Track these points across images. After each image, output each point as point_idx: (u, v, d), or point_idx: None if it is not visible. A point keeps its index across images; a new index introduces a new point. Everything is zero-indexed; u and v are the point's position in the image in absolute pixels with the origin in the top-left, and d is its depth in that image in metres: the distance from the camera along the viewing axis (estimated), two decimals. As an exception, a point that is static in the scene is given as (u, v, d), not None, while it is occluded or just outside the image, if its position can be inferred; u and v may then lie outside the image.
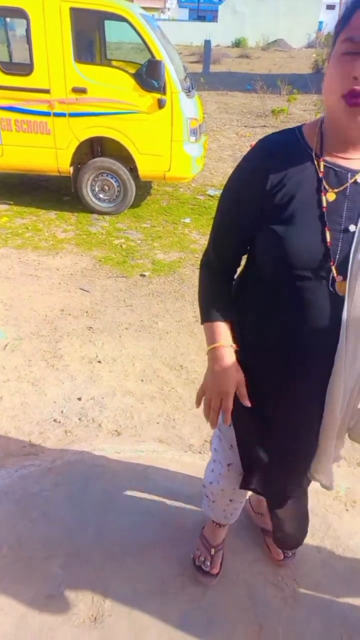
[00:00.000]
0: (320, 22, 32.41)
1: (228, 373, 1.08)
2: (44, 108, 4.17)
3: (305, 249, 0.94)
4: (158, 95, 4.06)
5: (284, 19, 30.77)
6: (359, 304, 0.96)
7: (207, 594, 1.52)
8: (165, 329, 2.96)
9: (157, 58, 3.97)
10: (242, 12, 31.53)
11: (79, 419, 2.21)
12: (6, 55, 5.27)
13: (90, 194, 4.59)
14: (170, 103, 4.09)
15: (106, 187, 4.58)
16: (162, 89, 4.03)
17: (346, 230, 0.94)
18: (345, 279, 0.95)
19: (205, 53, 17.57)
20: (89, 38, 5.04)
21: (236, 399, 1.12)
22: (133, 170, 4.45)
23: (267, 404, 1.14)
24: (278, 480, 1.29)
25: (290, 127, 1.03)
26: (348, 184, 0.94)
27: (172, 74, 4.07)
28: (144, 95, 4.09)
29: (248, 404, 1.10)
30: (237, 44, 29.00)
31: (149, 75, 3.99)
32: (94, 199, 4.62)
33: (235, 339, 1.11)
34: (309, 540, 1.69)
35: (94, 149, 4.57)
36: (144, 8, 4.90)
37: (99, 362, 2.61)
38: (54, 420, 2.18)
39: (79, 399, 2.33)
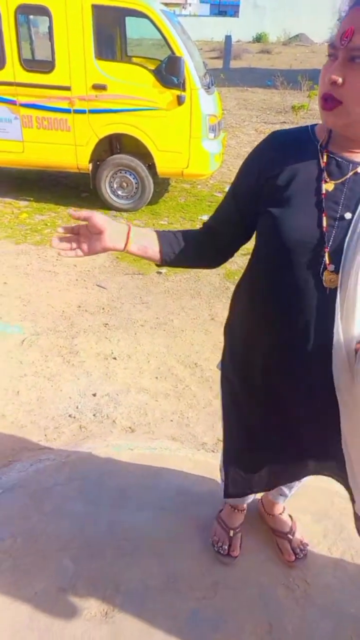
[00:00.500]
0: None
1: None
2: (64, 105, 4.20)
3: (299, 230, 0.96)
4: (177, 92, 4.06)
5: (306, 14, 30.32)
6: (351, 293, 0.95)
7: (218, 592, 1.53)
8: (181, 326, 2.97)
9: (177, 54, 3.97)
10: (263, 6, 31.18)
11: (94, 415, 2.23)
12: (29, 52, 5.32)
13: (108, 190, 4.61)
14: (190, 99, 4.08)
15: (124, 184, 4.59)
16: (181, 86, 4.03)
17: (342, 217, 0.95)
18: (336, 268, 0.95)
19: (226, 49, 17.46)
20: (110, 34, 5.06)
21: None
22: (151, 167, 4.45)
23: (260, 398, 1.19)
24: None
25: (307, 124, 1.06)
26: (349, 174, 0.95)
27: (192, 70, 4.06)
28: (164, 91, 4.08)
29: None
30: (258, 39, 28.71)
31: (168, 72, 3.98)
32: (112, 196, 4.64)
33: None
34: (321, 541, 1.69)
35: (112, 145, 4.58)
36: (165, 4, 4.90)
37: (114, 358, 2.63)
38: (69, 416, 2.21)
39: (94, 394, 2.35)
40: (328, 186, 0.96)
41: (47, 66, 4.20)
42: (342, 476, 1.18)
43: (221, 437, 1.92)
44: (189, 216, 4.73)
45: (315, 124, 1.04)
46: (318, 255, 0.96)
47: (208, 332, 2.90)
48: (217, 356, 1.37)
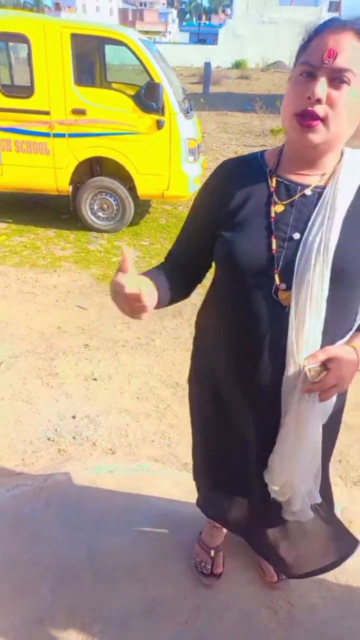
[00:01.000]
0: (319, 45, 33.06)
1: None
2: (43, 129, 4.25)
3: (249, 253, 0.98)
4: (157, 117, 4.14)
5: (284, 42, 31.40)
6: (302, 310, 0.97)
7: (200, 616, 1.49)
8: (162, 346, 2.97)
9: (156, 80, 4.06)
10: (242, 35, 32.24)
11: (73, 438, 2.20)
12: (8, 78, 5.39)
13: (89, 212, 4.64)
14: (169, 124, 4.16)
15: (105, 206, 4.63)
16: (160, 110, 4.11)
17: (291, 238, 0.97)
18: (288, 287, 0.97)
19: (205, 74, 17.92)
20: (90, 61, 5.16)
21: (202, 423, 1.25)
22: (132, 189, 4.50)
23: (228, 413, 1.19)
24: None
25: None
26: (296, 196, 0.98)
27: (170, 95, 4.15)
28: (143, 116, 4.16)
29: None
30: (237, 65, 29.57)
31: (147, 97, 4.07)
32: (92, 217, 4.67)
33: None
34: (304, 561, 1.67)
35: (93, 168, 4.63)
36: (147, 32, 5.05)
37: (95, 379, 2.61)
38: (48, 439, 2.17)
39: (74, 417, 2.32)
40: (278, 208, 0.98)
41: (26, 91, 4.26)
42: None
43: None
44: (169, 237, 4.78)
45: (265, 150, 1.08)
46: (269, 275, 0.98)
47: (190, 351, 2.90)
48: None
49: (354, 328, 1.07)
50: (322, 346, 1.00)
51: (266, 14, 32.19)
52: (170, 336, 3.09)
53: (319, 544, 1.38)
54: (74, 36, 4.06)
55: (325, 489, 1.32)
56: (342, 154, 1.00)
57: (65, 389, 2.53)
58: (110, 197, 4.56)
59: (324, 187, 0.98)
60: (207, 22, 61.52)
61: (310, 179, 0.99)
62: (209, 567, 1.59)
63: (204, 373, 1.24)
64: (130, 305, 0.90)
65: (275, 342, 1.02)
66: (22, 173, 4.44)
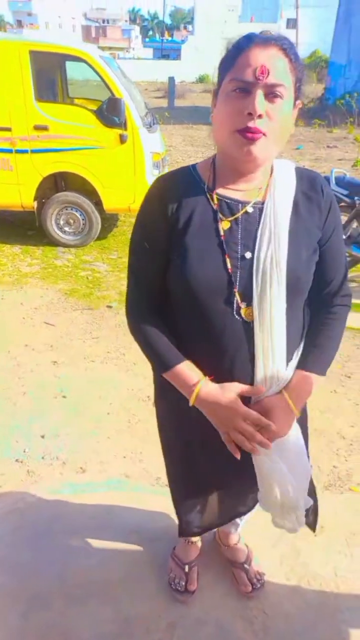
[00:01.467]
0: (279, 59, 34.04)
1: (224, 406, 1.02)
2: (5, 145, 4.21)
3: (207, 276, 0.98)
4: (119, 131, 4.16)
5: (244, 56, 32.15)
6: (267, 327, 1.00)
7: (175, 633, 1.48)
8: (132, 360, 2.95)
9: (117, 96, 4.09)
10: (204, 50, 32.88)
11: (42, 458, 2.15)
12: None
13: (55, 227, 4.61)
14: (132, 138, 4.19)
15: (71, 221, 4.61)
16: (123, 125, 4.14)
17: (243, 257, 0.99)
18: (248, 304, 0.99)
19: (170, 89, 18.18)
20: (51, 78, 5.16)
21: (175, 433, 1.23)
22: (98, 203, 4.50)
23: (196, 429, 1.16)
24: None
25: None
26: (239, 214, 0.99)
27: (132, 110, 4.19)
28: (106, 131, 4.18)
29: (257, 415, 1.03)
30: (201, 79, 30.14)
31: (109, 112, 4.09)
32: (59, 233, 4.64)
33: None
34: (278, 568, 1.68)
35: (57, 183, 4.61)
36: (110, 48, 5.09)
37: (64, 397, 2.57)
38: (16, 461, 2.12)
39: (43, 436, 2.27)
40: (224, 225, 0.99)
41: (-15, 109, 4.22)
42: None
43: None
44: (137, 250, 4.78)
45: (196, 164, 1.06)
46: (229, 295, 0.99)
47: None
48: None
49: (303, 336, 1.11)
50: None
51: (226, 31, 32.94)
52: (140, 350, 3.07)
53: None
54: (33, 53, 4.06)
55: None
56: (272, 166, 1.03)
57: (33, 408, 2.48)
58: (76, 211, 4.55)
59: (262, 202, 1.01)
60: (170, 39, 62.58)
61: (249, 194, 1.01)
62: (183, 583, 1.57)
63: (168, 387, 1.22)
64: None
65: (241, 357, 1.03)
66: (-16, 190, 4.39)
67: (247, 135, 0.90)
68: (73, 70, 5.60)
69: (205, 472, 1.26)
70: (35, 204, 4.48)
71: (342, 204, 4.00)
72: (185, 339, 1.08)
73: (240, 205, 1.00)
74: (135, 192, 4.36)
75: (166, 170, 4.94)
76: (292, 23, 29.18)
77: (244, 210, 1.00)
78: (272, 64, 0.87)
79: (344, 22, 16.19)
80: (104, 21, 72.33)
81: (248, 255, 0.99)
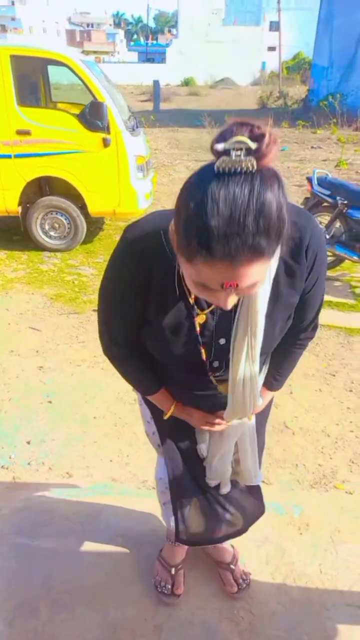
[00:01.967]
0: (264, 63, 34.35)
1: (194, 412, 1.20)
2: (-12, 151, 4.20)
3: (181, 357, 1.02)
4: (103, 135, 4.17)
5: (230, 60, 32.42)
6: (240, 400, 1.07)
7: (162, 636, 1.48)
8: (118, 363, 2.95)
9: (99, 99, 4.10)
10: (188, 53, 33.06)
11: (29, 464, 2.14)
12: None
13: (40, 232, 4.60)
14: (115, 142, 4.20)
15: (56, 225, 4.60)
16: (106, 129, 4.14)
17: (217, 343, 1.01)
18: (224, 381, 1.06)
19: (155, 92, 18.22)
20: (33, 82, 5.15)
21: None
22: (83, 207, 4.50)
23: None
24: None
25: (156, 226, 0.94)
26: (214, 306, 0.97)
27: (115, 114, 4.19)
28: (89, 135, 4.18)
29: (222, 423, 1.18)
30: (186, 83, 30.26)
31: (92, 116, 4.10)
32: (44, 237, 4.63)
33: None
34: (263, 568, 1.69)
35: (42, 188, 4.60)
36: (95, 52, 5.09)
37: (50, 402, 2.57)
38: (2, 467, 2.11)
39: (29, 442, 2.26)
40: (200, 319, 0.98)
41: (-33, 114, 4.20)
42: None
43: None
44: (123, 253, 4.77)
45: (168, 227, 0.88)
46: (203, 373, 1.06)
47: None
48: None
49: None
50: None
51: (210, 34, 33.18)
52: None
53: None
54: (14, 57, 4.05)
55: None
56: None
57: (19, 414, 2.47)
58: (61, 216, 4.54)
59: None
60: (154, 42, 62.68)
61: None
62: (170, 587, 1.57)
63: None
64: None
65: (214, 406, 1.15)
66: (-32, 195, 4.36)
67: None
68: (59, 75, 5.59)
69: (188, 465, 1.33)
70: (19, 209, 4.47)
71: (325, 204, 4.05)
72: (161, 373, 1.17)
73: None
74: (120, 195, 4.37)
75: (151, 173, 4.95)
76: (275, 26, 29.47)
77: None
78: (242, 277, 0.72)
79: (325, 25, 16.39)
80: (88, 25, 72.20)
81: (222, 341, 1.01)
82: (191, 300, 0.96)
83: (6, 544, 1.73)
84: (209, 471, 1.29)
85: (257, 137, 0.67)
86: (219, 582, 1.63)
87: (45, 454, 2.20)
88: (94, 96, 4.12)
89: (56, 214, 4.53)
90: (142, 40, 68.37)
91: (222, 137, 0.69)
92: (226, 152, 0.67)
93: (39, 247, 4.67)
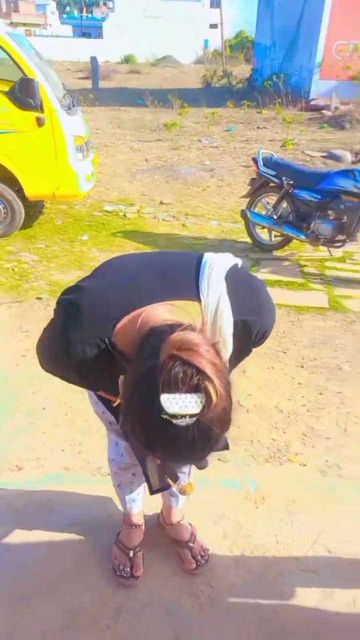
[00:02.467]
0: (206, 40, 33.95)
1: None
2: None
3: None
4: (36, 114, 3.95)
5: (171, 37, 31.81)
6: None
7: (121, 617, 1.47)
8: (67, 350, 2.87)
9: (29, 76, 3.88)
10: (127, 29, 32.09)
11: (-25, 459, 2.05)
12: None
13: (-26, 218, 4.35)
14: (50, 121, 4.00)
15: (-9, 210, 4.36)
16: (39, 107, 3.94)
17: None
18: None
19: (93, 69, 17.61)
20: None
21: None
22: (19, 190, 4.28)
23: None
24: None
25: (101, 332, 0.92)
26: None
27: (48, 91, 3.99)
28: (21, 114, 3.96)
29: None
30: (127, 60, 29.46)
31: (22, 94, 3.88)
32: (-21, 224, 4.38)
33: None
34: (221, 542, 1.72)
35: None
36: (24, 24, 4.80)
37: (-5, 394, 2.46)
38: None
39: (-25, 437, 2.17)
40: None
41: None
42: None
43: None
44: (67, 237, 4.63)
45: (112, 336, 0.90)
46: None
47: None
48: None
49: None
50: None
51: (149, 8, 32.31)
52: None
53: None
54: None
55: None
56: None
57: None
58: (-3, 200, 4.31)
59: None
60: (89, 15, 60.13)
61: None
62: (128, 569, 1.57)
63: None
64: None
65: None
66: None
67: None
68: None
69: None
70: None
71: (272, 184, 4.08)
72: None
73: None
74: (59, 177, 4.19)
75: (91, 154, 4.79)
76: (216, 2, 29.07)
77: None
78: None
79: (265, 4, 16.34)
80: (16, -5, 68.14)
81: None
82: None
83: None
84: None
85: (204, 389, 0.72)
86: (178, 560, 1.64)
87: (-7, 448, 2.12)
88: (23, 72, 3.90)
89: (-10, 198, 4.29)
90: (75, 12, 65.51)
91: (167, 386, 0.72)
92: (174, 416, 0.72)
93: (-25, 235, 4.43)
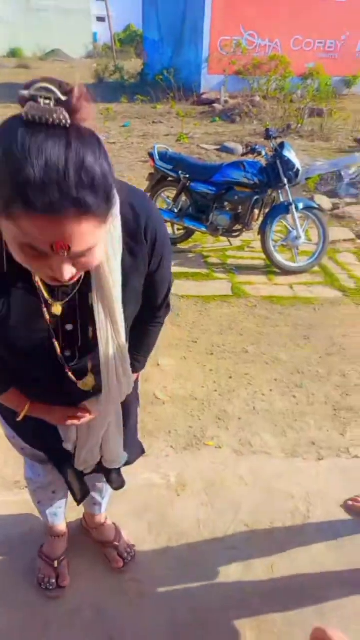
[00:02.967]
0: (95, 33, 33.36)
1: (55, 408, 1.12)
2: None
3: (34, 355, 0.95)
4: None
5: (57, 30, 30.81)
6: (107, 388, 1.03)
7: (51, 630, 1.45)
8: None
9: None
10: (11, 22, 30.55)
11: None
12: None
13: None
14: None
15: None
16: None
17: (64, 330, 0.94)
18: (83, 377, 1.01)
19: (-23, 64, 16.55)
20: None
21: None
22: None
23: None
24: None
25: None
26: (69, 297, 0.90)
27: None
28: None
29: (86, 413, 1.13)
30: (14, 54, 28.09)
31: None
32: None
33: None
34: (146, 536, 1.75)
35: None
36: None
37: None
38: None
39: None
40: (56, 310, 0.90)
41: None
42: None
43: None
44: None
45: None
46: (58, 364, 0.98)
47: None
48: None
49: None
50: None
51: (33, 0, 31.05)
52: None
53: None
54: None
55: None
56: None
57: None
58: None
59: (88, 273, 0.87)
60: (-29, 7, 56.51)
61: None
62: (54, 581, 1.55)
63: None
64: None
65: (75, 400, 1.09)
66: None
67: (55, 283, 0.77)
68: None
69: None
70: None
71: (170, 178, 4.15)
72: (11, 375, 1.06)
73: (70, 287, 0.89)
74: None
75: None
76: (102, -5, 28.64)
77: (73, 294, 0.90)
78: (73, 236, 0.65)
79: (150, -1, 16.41)
80: None
81: (69, 327, 0.94)
82: (42, 289, 0.87)
83: None
84: (77, 460, 1.26)
85: (67, 92, 0.62)
86: (105, 561, 1.65)
87: None
88: None
89: None
90: None
91: (28, 85, 0.63)
92: (33, 99, 0.61)
93: None
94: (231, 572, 1.63)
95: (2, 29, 30.04)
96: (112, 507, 1.71)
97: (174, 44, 14.45)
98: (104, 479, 1.42)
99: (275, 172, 3.65)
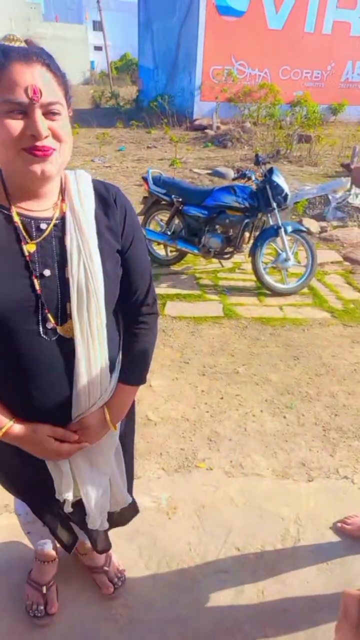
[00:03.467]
0: (92, 62, 34.23)
1: (35, 439, 1.05)
2: None
3: (10, 299, 0.92)
4: None
5: (56, 58, 31.55)
6: (89, 343, 1.01)
7: (40, 660, 1.43)
8: None
9: None
10: (10, 50, 31.31)
11: None
12: None
13: None
14: None
15: None
16: None
17: (42, 275, 0.95)
18: (64, 323, 0.98)
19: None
20: None
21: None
22: None
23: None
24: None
25: None
26: (45, 234, 0.95)
27: None
28: None
29: (74, 437, 1.10)
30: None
31: None
32: None
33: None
34: (137, 560, 1.73)
35: None
36: None
37: None
38: None
39: None
40: (30, 247, 0.94)
41: None
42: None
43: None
44: None
45: None
46: (38, 316, 0.96)
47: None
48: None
49: (120, 344, 1.16)
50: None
51: (31, 29, 31.89)
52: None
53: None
54: None
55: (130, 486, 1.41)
56: (62, 179, 1.01)
57: None
58: None
59: (63, 217, 0.98)
60: (-30, 35, 57.82)
61: (46, 211, 0.97)
62: (42, 607, 1.53)
63: None
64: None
65: (56, 377, 1.02)
66: None
67: (37, 153, 0.86)
68: None
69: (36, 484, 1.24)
70: None
71: (163, 202, 4.23)
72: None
73: (42, 223, 0.96)
74: None
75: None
76: (98, 25, 29.47)
77: (49, 230, 0.96)
78: (41, 82, 0.84)
79: (145, 29, 16.92)
80: None
81: (48, 272, 0.95)
82: (18, 226, 0.93)
83: None
84: (88, 517, 1.25)
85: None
86: (95, 587, 1.63)
87: None
88: None
89: None
90: None
91: None
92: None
93: None
94: (222, 597, 1.61)
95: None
96: (102, 531, 1.69)
97: (168, 72, 14.88)
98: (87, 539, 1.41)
99: (265, 197, 3.74)
